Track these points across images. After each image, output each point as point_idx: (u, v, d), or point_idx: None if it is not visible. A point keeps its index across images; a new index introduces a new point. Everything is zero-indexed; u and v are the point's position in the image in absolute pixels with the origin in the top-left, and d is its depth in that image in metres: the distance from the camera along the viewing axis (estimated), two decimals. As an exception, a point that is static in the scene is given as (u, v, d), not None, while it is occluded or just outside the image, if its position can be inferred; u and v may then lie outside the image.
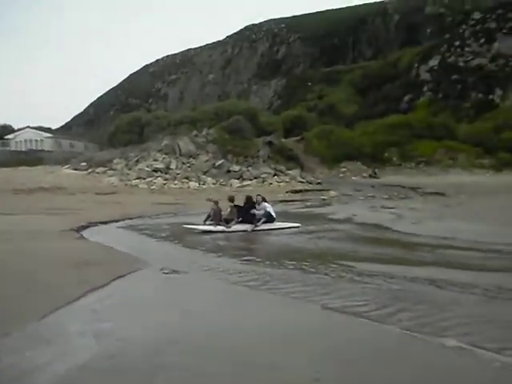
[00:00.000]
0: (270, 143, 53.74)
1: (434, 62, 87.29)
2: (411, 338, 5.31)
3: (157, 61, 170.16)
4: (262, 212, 16.38)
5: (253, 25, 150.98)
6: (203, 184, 40.06)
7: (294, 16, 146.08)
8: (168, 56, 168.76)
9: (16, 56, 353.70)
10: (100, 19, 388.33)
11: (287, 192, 36.68)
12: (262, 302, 7.25)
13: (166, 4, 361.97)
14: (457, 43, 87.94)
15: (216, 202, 16.66)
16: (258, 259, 10.70)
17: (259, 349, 5.11)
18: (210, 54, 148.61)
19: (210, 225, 15.85)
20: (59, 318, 6.19)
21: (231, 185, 40.83)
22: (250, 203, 16.58)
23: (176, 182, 39.66)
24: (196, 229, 15.60)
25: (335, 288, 7.76)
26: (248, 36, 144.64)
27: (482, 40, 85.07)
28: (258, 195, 17.41)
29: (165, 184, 38.44)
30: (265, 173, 45.18)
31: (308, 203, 29.88)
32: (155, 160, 43.51)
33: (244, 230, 15.75)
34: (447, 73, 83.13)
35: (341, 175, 57.87)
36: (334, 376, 4.39)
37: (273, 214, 16.69)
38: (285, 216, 20.04)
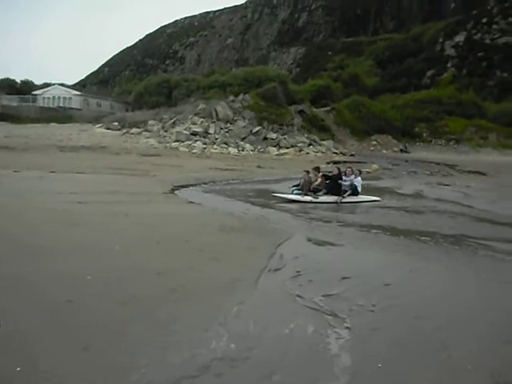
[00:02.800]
0: (301, 112, 53.38)
1: (459, 38, 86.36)
2: None
3: (175, 22, 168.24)
4: (347, 183, 16.28)
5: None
6: (242, 150, 39.90)
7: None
8: (186, 18, 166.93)
9: (31, 12, 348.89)
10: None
11: (328, 163, 36.44)
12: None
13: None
14: (484, 20, 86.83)
15: (307, 172, 16.45)
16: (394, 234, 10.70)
17: None
18: (229, 18, 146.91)
19: (298, 194, 15.70)
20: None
21: (269, 152, 40.66)
22: (338, 174, 16.49)
23: (216, 146, 39.45)
24: (284, 197, 15.53)
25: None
26: (269, 1, 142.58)
27: (511, 18, 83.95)
28: (349, 167, 17.40)
29: (205, 148, 38.21)
30: (300, 142, 44.99)
31: (358, 175, 29.81)
32: (193, 123, 43.20)
33: (332, 202, 15.67)
34: (473, 49, 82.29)
35: (371, 148, 57.54)
36: None
37: (359, 187, 16.66)
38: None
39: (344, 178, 16.47)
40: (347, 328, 5.01)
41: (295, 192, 15.88)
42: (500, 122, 60.66)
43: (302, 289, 6.23)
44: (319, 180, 16.29)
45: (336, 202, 15.65)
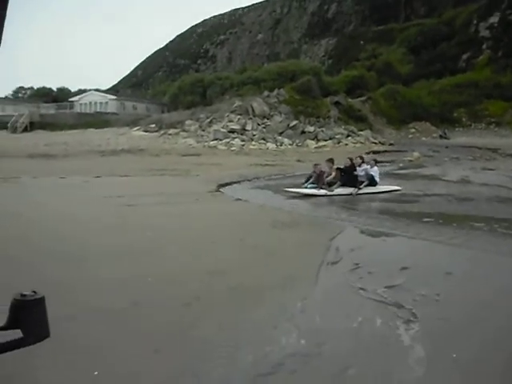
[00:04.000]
0: (337, 103, 53.05)
1: (493, 19, 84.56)
2: None
3: (204, 21, 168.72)
4: (363, 174, 15.84)
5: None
6: (280, 145, 39.84)
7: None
8: (215, 16, 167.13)
9: (61, 19, 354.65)
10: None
11: (368, 153, 36.10)
12: None
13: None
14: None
15: (318, 164, 16.17)
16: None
17: None
18: (258, 14, 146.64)
19: (312, 188, 15.44)
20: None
21: (307, 146, 40.50)
22: (352, 165, 15.96)
23: (254, 142, 39.49)
24: (298, 192, 15.28)
25: None
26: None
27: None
28: (358, 157, 16.84)
29: (243, 145, 38.27)
30: (338, 133, 44.73)
31: (400, 164, 29.46)
32: (230, 121, 43.29)
33: (348, 194, 15.32)
34: (508, 30, 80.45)
35: (410, 136, 56.77)
36: None
37: (376, 176, 16.16)
38: (395, 177, 20.01)
39: (358, 168, 15.93)
40: (415, 319, 4.93)
41: (309, 186, 15.59)
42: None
43: (363, 281, 6.17)
44: (333, 174, 15.89)
45: (351, 194, 15.34)
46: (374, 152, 36.96)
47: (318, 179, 15.55)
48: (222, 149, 36.89)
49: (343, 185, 15.54)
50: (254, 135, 41.12)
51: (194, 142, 39.78)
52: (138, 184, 16.86)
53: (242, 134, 41.07)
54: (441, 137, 55.47)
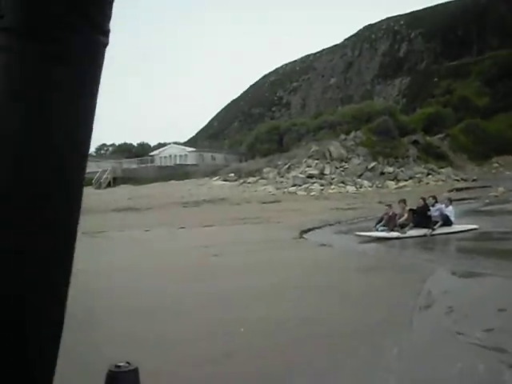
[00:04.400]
0: (415, 142, 52.51)
1: None
2: None
3: (276, 70, 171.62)
4: (437, 214, 15.46)
5: (370, 25, 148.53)
6: (360, 187, 39.69)
7: (412, 12, 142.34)
8: (287, 64, 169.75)
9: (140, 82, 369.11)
10: (215, 36, 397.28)
11: (450, 191, 35.38)
12: None
13: (279, 14, 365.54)
14: None
15: (389, 206, 16.10)
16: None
17: None
18: (330, 59, 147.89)
19: (383, 230, 15.11)
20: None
21: (387, 186, 40.17)
22: (424, 206, 15.68)
23: (333, 186, 39.53)
24: (369, 235, 14.93)
25: None
26: (367, 37, 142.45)
27: None
28: (431, 196, 16.56)
29: (322, 189, 38.36)
30: (418, 172, 44.22)
31: (486, 200, 28.59)
32: (308, 166, 43.55)
33: (421, 235, 14.89)
34: None
35: (493, 171, 55.32)
36: None
37: (451, 216, 15.70)
38: (480, 215, 19.55)
39: (431, 208, 15.61)
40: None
41: (380, 229, 15.25)
42: None
43: (460, 325, 6.00)
44: (405, 215, 15.47)
45: (425, 235, 14.90)
46: (457, 189, 36.26)
47: (389, 221, 15.24)
48: (302, 194, 37.04)
49: (416, 226, 15.16)
50: (333, 179, 41.17)
51: (273, 188, 40.14)
52: (222, 233, 17.06)
53: (320, 179, 41.19)
54: (525, 170, 53.86)
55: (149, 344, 5.42)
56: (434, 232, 15.03)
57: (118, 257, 12.32)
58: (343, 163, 44.42)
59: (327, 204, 29.47)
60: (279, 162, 47.84)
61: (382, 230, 15.14)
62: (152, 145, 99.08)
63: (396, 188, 39.36)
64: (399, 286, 8.31)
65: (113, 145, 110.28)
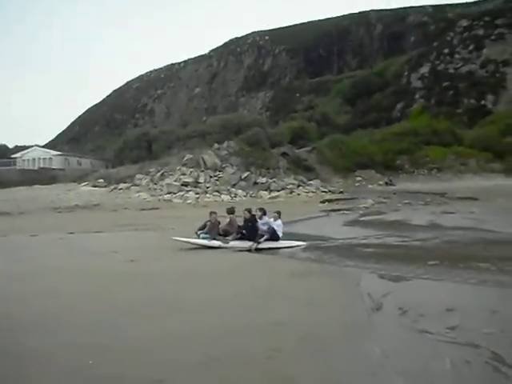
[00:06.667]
0: (284, 154, 53.85)
1: (424, 70, 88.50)
2: None
3: (140, 76, 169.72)
4: (265, 228, 14.59)
5: (237, 38, 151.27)
6: (235, 196, 39.91)
7: (278, 28, 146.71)
8: (152, 71, 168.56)
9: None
10: (82, 34, 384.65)
11: (322, 202, 36.60)
12: None
13: (145, 20, 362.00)
14: (446, 50, 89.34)
15: (215, 213, 14.92)
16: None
17: None
18: (195, 69, 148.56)
19: (204, 238, 14.36)
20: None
21: (261, 196, 40.68)
22: (252, 217, 14.69)
23: (208, 195, 39.48)
24: (187, 241, 14.31)
25: None
26: (233, 49, 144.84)
27: (471, 47, 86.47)
28: (258, 209, 15.35)
29: (198, 198, 38.22)
30: (289, 184, 45.25)
31: (360, 212, 29.75)
32: (183, 174, 43.25)
33: (245, 249, 13.99)
34: (438, 80, 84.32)
35: (357, 184, 57.95)
36: None
37: (279, 230, 14.82)
38: (362, 225, 20.39)
39: (259, 221, 14.69)
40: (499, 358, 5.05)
41: (202, 236, 14.44)
42: (478, 147, 61.88)
43: (421, 324, 6.27)
44: (227, 220, 15.07)
45: (249, 250, 13.98)
46: (328, 201, 37.51)
47: (212, 228, 14.46)
48: (178, 202, 36.70)
49: (242, 237, 14.44)
50: (208, 187, 41.16)
51: (147, 195, 39.42)
52: (119, 239, 16.57)
53: (195, 187, 40.99)
54: (386, 183, 56.90)
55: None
56: (260, 246, 14.16)
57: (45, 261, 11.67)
58: (217, 172, 44.54)
59: (207, 211, 29.36)
60: (151, 169, 47.05)
61: (203, 238, 14.39)
62: (10, 147, 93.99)
63: (270, 198, 39.92)
64: (339, 289, 8.45)
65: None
